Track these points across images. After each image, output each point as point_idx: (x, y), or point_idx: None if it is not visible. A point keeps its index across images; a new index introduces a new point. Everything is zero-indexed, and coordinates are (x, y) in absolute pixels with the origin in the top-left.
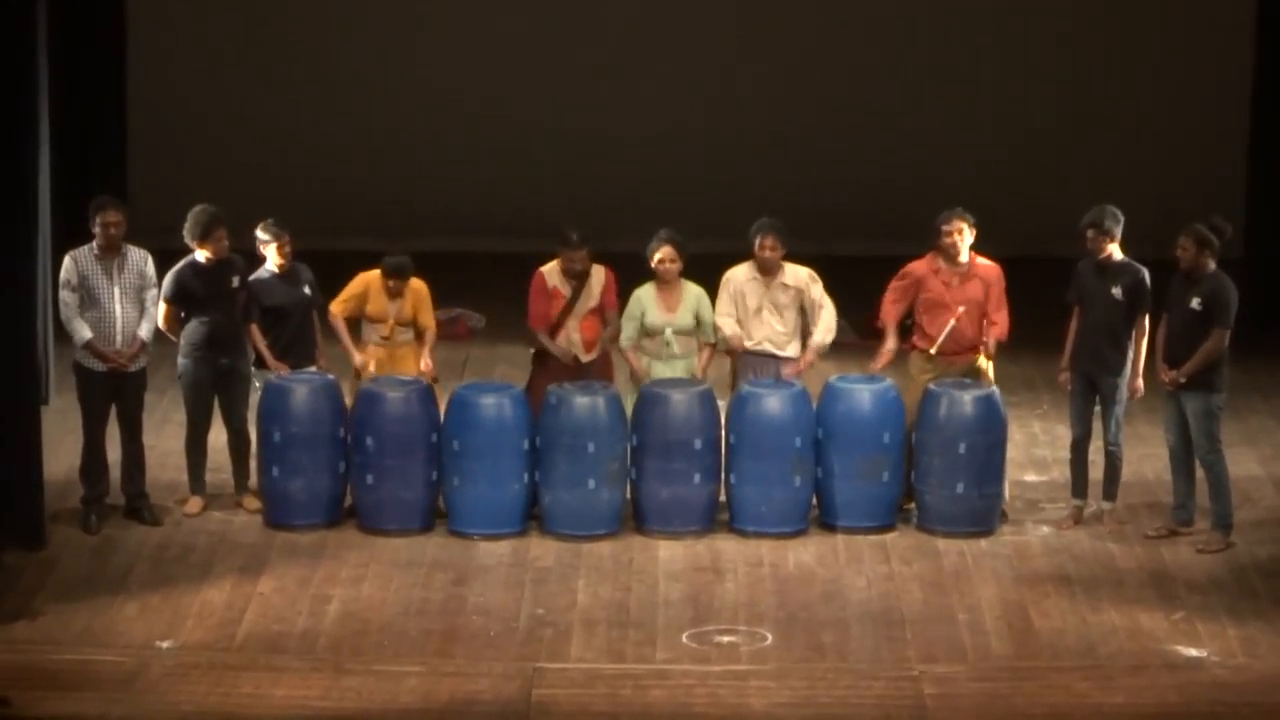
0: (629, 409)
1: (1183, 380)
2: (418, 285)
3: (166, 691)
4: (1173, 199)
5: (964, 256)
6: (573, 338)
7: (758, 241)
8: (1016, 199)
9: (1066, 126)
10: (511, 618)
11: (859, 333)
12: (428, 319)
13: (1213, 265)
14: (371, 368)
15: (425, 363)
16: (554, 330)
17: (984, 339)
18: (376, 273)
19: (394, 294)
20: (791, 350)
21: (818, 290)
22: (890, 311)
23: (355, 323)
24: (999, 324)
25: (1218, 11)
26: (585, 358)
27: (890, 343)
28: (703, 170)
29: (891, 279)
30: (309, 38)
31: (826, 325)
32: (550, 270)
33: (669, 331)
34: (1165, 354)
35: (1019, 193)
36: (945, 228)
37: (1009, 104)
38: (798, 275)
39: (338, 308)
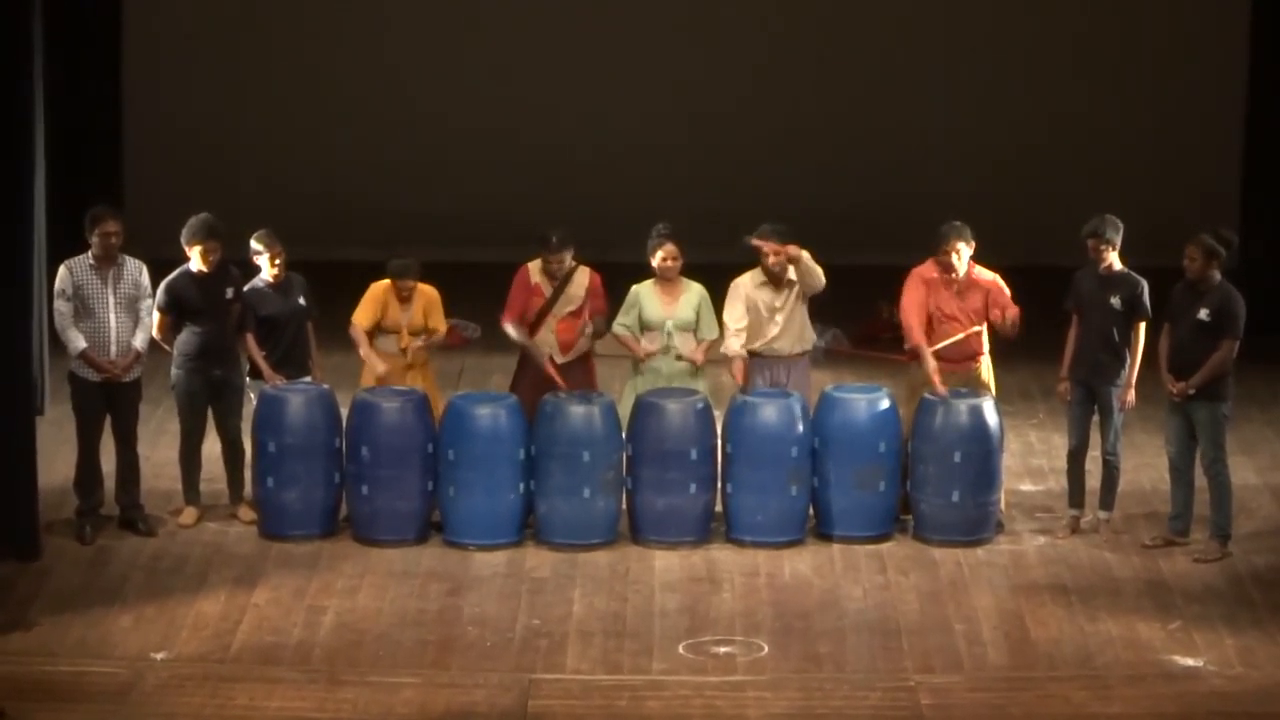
0: (627, 406)
1: (1192, 391)
2: (428, 290)
3: (161, 703)
4: (1169, 210)
5: (962, 270)
6: (548, 338)
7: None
8: (1015, 208)
9: (1065, 137)
10: (507, 628)
11: (854, 342)
12: (438, 322)
13: (1219, 276)
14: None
15: (416, 345)
16: (532, 329)
17: (1002, 324)
18: (385, 283)
19: (404, 298)
20: (800, 348)
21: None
22: (916, 328)
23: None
24: (1010, 311)
25: (1213, 25)
26: (561, 358)
27: (931, 361)
28: (701, 180)
29: (902, 289)
30: (305, 48)
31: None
32: (535, 267)
33: (670, 324)
34: (1171, 365)
35: (1017, 202)
36: (944, 247)
37: (1009, 115)
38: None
39: (362, 317)
